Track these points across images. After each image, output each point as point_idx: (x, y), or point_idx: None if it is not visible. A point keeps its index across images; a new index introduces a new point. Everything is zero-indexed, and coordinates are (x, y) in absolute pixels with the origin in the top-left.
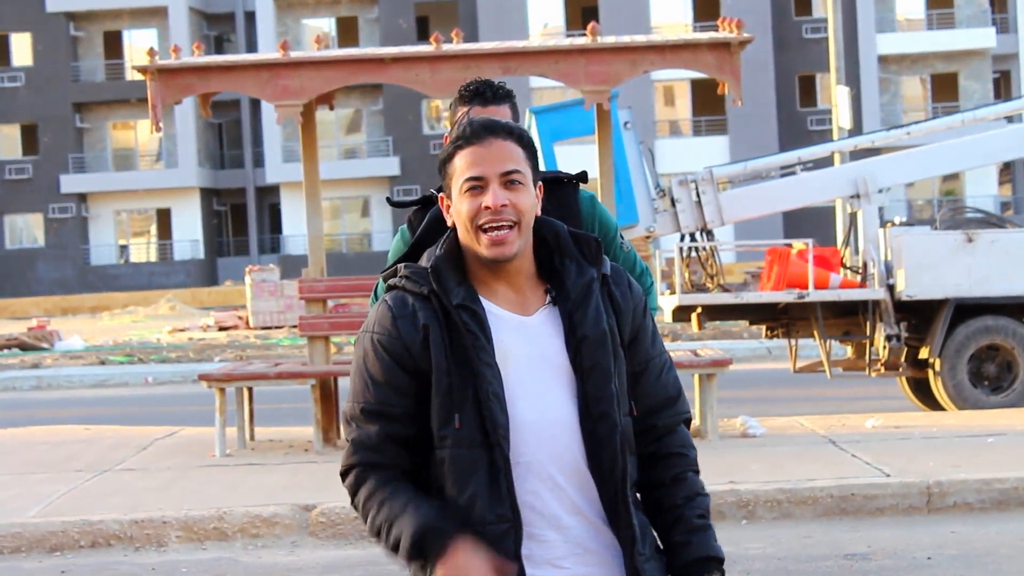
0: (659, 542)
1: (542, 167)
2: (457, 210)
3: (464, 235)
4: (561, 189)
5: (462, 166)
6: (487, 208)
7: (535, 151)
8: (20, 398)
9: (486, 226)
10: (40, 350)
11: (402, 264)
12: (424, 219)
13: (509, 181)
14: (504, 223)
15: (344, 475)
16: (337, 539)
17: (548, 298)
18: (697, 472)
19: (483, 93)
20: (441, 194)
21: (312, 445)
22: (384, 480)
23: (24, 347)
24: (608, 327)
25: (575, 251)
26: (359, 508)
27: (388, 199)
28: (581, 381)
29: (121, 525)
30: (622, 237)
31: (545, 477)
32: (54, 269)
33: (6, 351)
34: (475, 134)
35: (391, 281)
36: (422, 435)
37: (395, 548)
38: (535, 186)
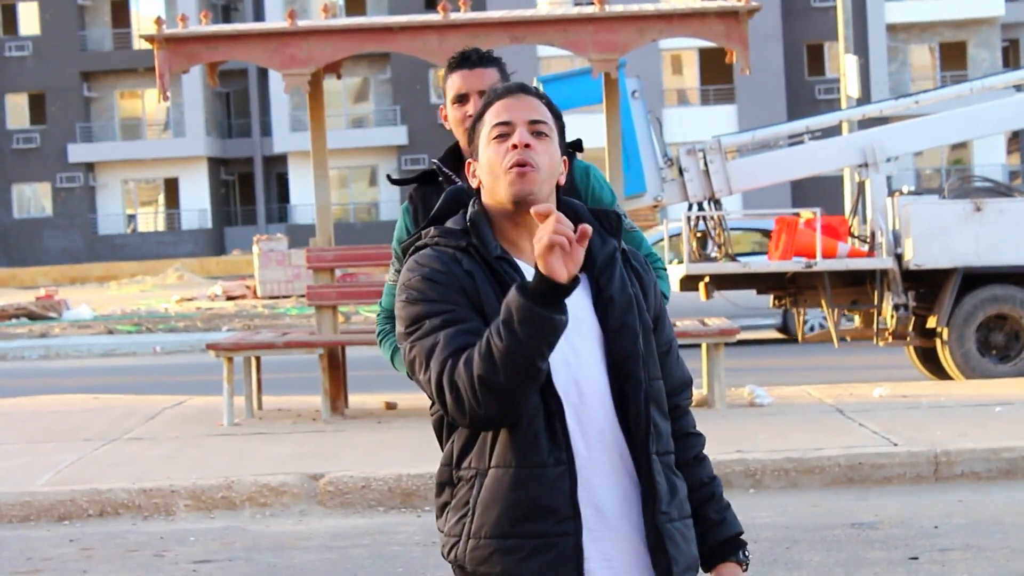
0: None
1: None
2: (483, 159)
3: (489, 184)
4: None
5: (491, 117)
6: (514, 147)
7: (562, 123)
8: (28, 367)
9: (510, 163)
10: (48, 319)
11: (432, 227)
12: (424, 196)
13: (536, 131)
14: (528, 162)
15: (439, 389)
16: (345, 508)
17: None
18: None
19: (468, 57)
20: (469, 160)
21: (320, 414)
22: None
23: (32, 316)
24: (633, 293)
25: (596, 224)
26: (465, 384)
27: (388, 176)
28: (608, 341)
29: (129, 494)
30: (625, 216)
31: (576, 436)
32: (62, 238)
33: (14, 320)
34: (507, 90)
35: (421, 241)
36: None
37: (512, 328)
38: (561, 156)
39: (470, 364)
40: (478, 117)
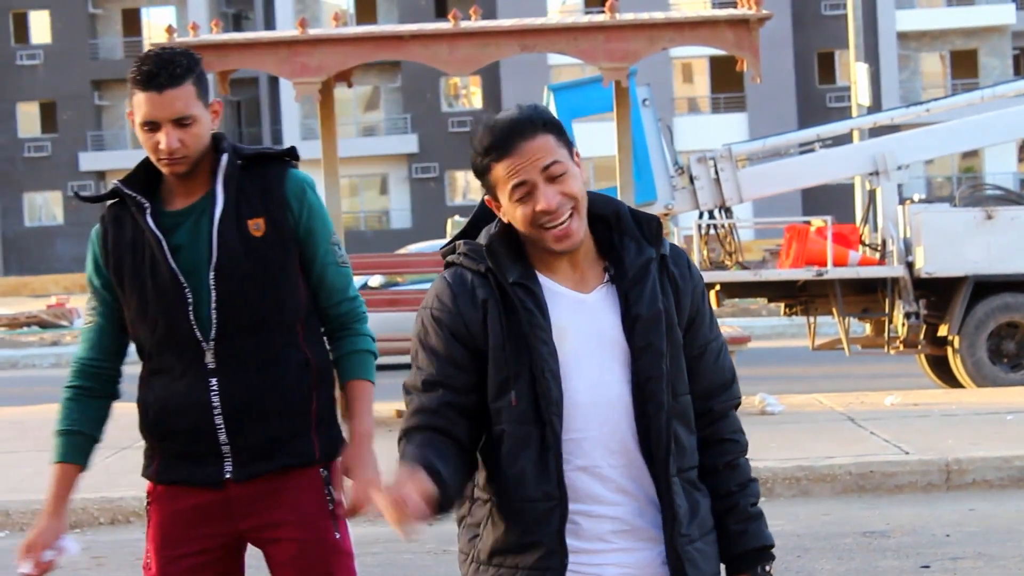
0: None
1: None
2: (513, 216)
3: (528, 235)
4: (265, 165)
5: (503, 176)
6: (543, 211)
7: (561, 127)
8: (40, 375)
9: (547, 225)
10: (59, 327)
11: (461, 241)
12: (115, 217)
13: (554, 176)
14: (563, 218)
15: (400, 439)
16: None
17: (607, 276)
18: (747, 458)
19: (156, 76)
20: (487, 197)
21: None
22: (419, 439)
23: (43, 325)
24: (664, 307)
25: (635, 230)
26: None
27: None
28: (634, 359)
29: (141, 502)
30: (340, 249)
31: (596, 454)
32: (73, 247)
33: (25, 329)
34: (504, 146)
35: (449, 258)
36: (482, 407)
37: None
38: (573, 157)
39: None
40: (486, 170)
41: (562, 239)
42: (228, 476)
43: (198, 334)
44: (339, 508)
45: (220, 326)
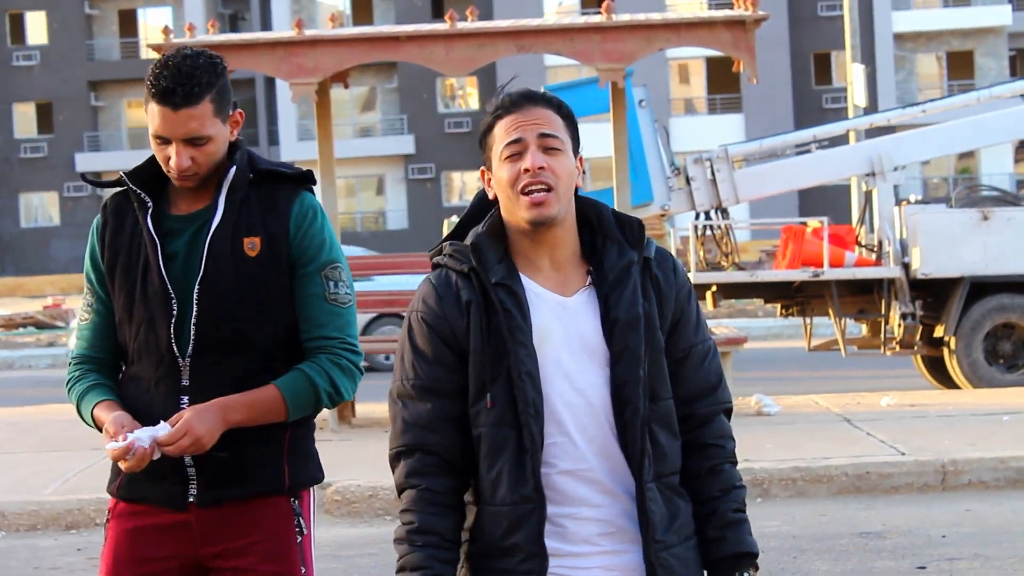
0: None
1: None
2: (498, 177)
3: (505, 203)
4: (275, 184)
5: (501, 133)
6: (526, 171)
7: (575, 123)
8: (36, 376)
9: (526, 188)
10: (55, 328)
11: (448, 242)
12: (117, 207)
13: (548, 147)
14: (542, 185)
15: (395, 459)
16: (352, 517)
17: (589, 279)
18: (734, 464)
19: (173, 94)
20: (482, 168)
21: (327, 423)
22: (424, 494)
23: (39, 325)
24: (643, 311)
25: (617, 233)
26: (400, 505)
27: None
28: (612, 364)
29: None
30: (336, 285)
31: (580, 457)
32: (69, 247)
33: (22, 330)
34: (514, 103)
35: (436, 259)
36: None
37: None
38: (576, 156)
39: (400, 511)
40: (488, 128)
41: (536, 206)
42: (192, 500)
43: (175, 348)
44: (307, 540)
45: (197, 342)
